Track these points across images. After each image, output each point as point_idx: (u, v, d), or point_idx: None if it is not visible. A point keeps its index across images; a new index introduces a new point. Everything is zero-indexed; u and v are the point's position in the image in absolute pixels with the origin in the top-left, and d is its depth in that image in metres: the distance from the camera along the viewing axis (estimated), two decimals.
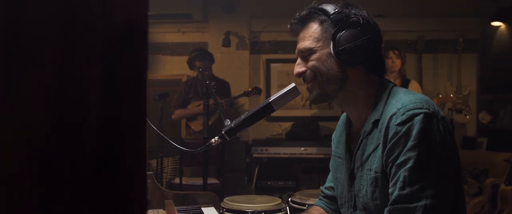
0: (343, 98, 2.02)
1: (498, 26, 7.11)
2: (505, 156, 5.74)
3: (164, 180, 6.26)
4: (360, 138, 2.00)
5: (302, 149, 6.59)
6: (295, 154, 6.57)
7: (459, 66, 7.27)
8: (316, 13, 2.00)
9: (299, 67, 2.02)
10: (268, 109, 2.03)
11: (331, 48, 1.93)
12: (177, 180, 5.80)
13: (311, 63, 1.98)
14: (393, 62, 6.13)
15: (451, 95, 6.56)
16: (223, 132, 2.09)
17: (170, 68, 7.68)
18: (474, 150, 6.81)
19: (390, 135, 1.81)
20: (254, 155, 6.54)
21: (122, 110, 0.75)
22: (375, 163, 1.90)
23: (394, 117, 1.81)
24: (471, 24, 7.51)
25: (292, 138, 6.89)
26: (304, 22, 2.03)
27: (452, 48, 7.47)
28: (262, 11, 7.53)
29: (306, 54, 2.00)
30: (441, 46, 7.65)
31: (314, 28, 1.99)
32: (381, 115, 1.90)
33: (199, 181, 5.23)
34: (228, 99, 6.26)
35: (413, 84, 6.31)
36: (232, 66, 7.48)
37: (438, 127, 1.78)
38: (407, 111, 1.79)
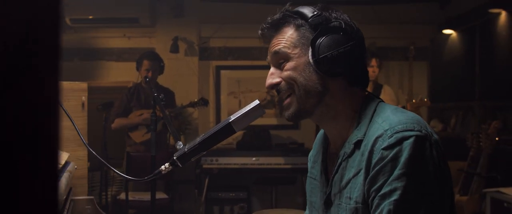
0: (321, 114, 1.79)
1: (449, 34, 7.21)
2: (458, 165, 5.68)
3: (109, 195, 5.96)
4: (339, 160, 1.76)
5: (254, 159, 6.44)
6: (247, 164, 6.44)
7: (410, 73, 7.18)
8: (292, 17, 1.77)
9: (272, 78, 1.79)
10: (227, 130, 1.78)
11: (310, 56, 1.71)
12: (123, 195, 5.49)
13: (286, 73, 1.75)
14: (374, 71, 6.06)
15: (425, 99, 6.46)
16: (174, 158, 1.83)
17: (116, 75, 7.50)
18: None
19: (374, 160, 1.58)
20: (204, 166, 6.39)
21: None
22: (355, 191, 1.67)
23: (380, 139, 1.59)
24: (421, 32, 7.59)
25: (243, 147, 6.75)
26: (277, 27, 1.79)
27: (403, 55, 7.52)
28: (212, 16, 7.36)
29: (281, 61, 1.77)
30: (392, 53, 7.71)
31: (289, 33, 1.76)
32: (365, 135, 1.68)
33: (146, 196, 5.06)
34: (173, 109, 6.11)
35: (386, 89, 6.31)
36: (181, 73, 7.33)
37: (431, 153, 1.56)
38: (396, 132, 1.56)
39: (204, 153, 1.80)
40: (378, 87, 6.15)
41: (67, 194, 2.54)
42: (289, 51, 1.75)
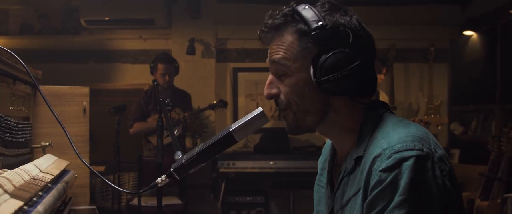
0: (324, 129, 1.67)
1: (470, 36, 7.05)
2: (479, 169, 5.57)
3: (122, 201, 5.71)
4: (341, 175, 1.63)
5: (271, 162, 6.26)
6: (264, 168, 6.26)
7: (430, 76, 7.07)
8: (294, 21, 1.58)
9: (270, 88, 1.64)
10: (228, 140, 1.62)
11: (311, 74, 1.54)
12: (136, 201, 5.23)
13: (285, 88, 1.60)
14: (382, 79, 5.91)
15: (438, 115, 6.22)
16: (171, 170, 1.66)
17: (131, 77, 7.31)
18: None
19: (372, 182, 1.45)
20: (220, 170, 6.21)
21: None
22: (355, 211, 1.54)
23: (379, 159, 1.45)
24: (441, 34, 7.38)
25: (260, 151, 6.56)
26: (277, 29, 1.60)
27: (423, 57, 7.34)
28: (229, 17, 7.15)
29: (280, 72, 1.61)
30: (412, 55, 7.51)
31: (290, 41, 1.58)
32: (365, 151, 1.55)
33: None
34: (191, 113, 5.94)
35: (383, 95, 6.17)
36: (197, 75, 7.13)
37: (433, 173, 1.42)
38: (394, 153, 1.43)
39: (203, 164, 1.66)
40: (376, 93, 5.86)
41: (63, 205, 2.29)
42: (289, 63, 1.58)
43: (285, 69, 1.58)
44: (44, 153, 2.47)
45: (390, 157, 1.42)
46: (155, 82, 3.89)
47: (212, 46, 7.21)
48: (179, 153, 1.73)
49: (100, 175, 1.86)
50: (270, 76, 1.64)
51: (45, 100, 1.99)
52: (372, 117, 1.61)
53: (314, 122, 1.61)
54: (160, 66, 5.76)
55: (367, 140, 1.56)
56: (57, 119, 1.92)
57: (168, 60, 5.87)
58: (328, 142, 1.85)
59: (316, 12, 1.55)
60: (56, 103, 2.63)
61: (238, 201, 6.23)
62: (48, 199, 1.73)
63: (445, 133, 7.28)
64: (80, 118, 2.67)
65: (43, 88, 2.61)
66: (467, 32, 7.00)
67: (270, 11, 1.63)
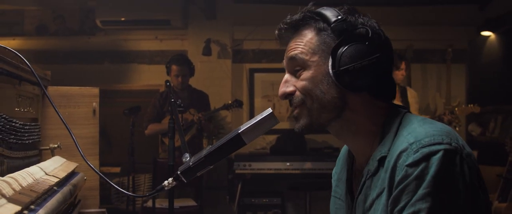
0: (339, 128, 1.59)
1: (488, 36, 6.97)
2: (497, 171, 5.46)
3: (138, 203, 5.64)
4: (363, 179, 1.56)
5: (288, 164, 6.19)
6: (280, 169, 6.20)
7: (448, 76, 6.99)
8: (313, 19, 1.57)
9: (285, 86, 1.59)
10: (237, 142, 1.55)
11: (330, 67, 1.51)
12: (150, 203, 5.17)
13: (302, 83, 1.55)
14: (403, 74, 5.77)
15: (470, 105, 6.08)
16: (179, 172, 1.60)
17: (147, 78, 7.29)
18: None
19: (398, 178, 1.39)
20: (236, 171, 6.16)
21: None
22: (379, 213, 1.47)
23: (404, 154, 1.39)
24: (459, 34, 7.30)
25: (277, 152, 6.51)
26: (296, 28, 1.60)
27: (440, 58, 7.26)
28: (245, 18, 7.11)
29: (297, 68, 1.57)
30: (430, 56, 7.44)
31: (309, 37, 1.56)
32: (389, 150, 1.48)
33: (174, 204, 4.69)
34: (207, 113, 5.82)
35: (411, 92, 6.01)
36: (213, 76, 7.07)
37: (461, 169, 1.35)
38: (422, 147, 1.37)
39: (211, 167, 1.60)
40: (404, 91, 5.91)
41: (72, 208, 2.23)
42: (307, 58, 1.55)
43: (302, 64, 1.54)
44: (53, 155, 2.39)
45: (417, 151, 1.36)
46: (168, 83, 3.80)
47: (228, 47, 7.16)
48: (187, 155, 1.67)
49: (104, 177, 1.78)
50: (286, 75, 1.60)
51: (50, 101, 1.90)
52: (394, 117, 1.55)
53: (329, 119, 1.54)
54: (173, 67, 5.71)
55: (391, 139, 1.49)
56: (62, 119, 1.83)
57: (182, 62, 5.80)
58: (342, 151, 1.80)
59: (335, 10, 1.54)
60: (65, 104, 2.55)
61: (254, 203, 6.16)
62: (52, 202, 1.66)
63: (463, 134, 7.17)
64: (90, 119, 2.59)
65: (52, 89, 2.55)
66: (485, 33, 6.94)
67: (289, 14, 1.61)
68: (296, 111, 1.58)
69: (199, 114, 5.66)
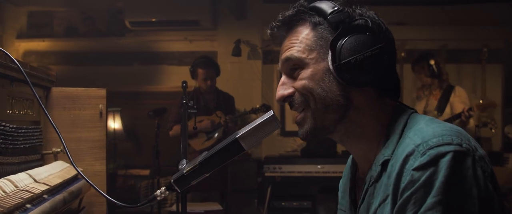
0: (344, 132, 1.45)
1: None
2: None
3: (166, 206, 5.54)
4: (365, 186, 1.43)
5: (319, 166, 6.04)
6: (311, 172, 6.05)
7: (483, 77, 6.76)
8: (307, 13, 1.45)
9: (283, 89, 1.47)
10: (234, 148, 1.41)
11: (330, 62, 1.39)
12: (174, 207, 5.05)
13: (300, 82, 1.43)
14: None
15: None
16: (172, 181, 1.46)
17: (176, 79, 7.06)
18: (501, 166, 6.33)
19: (403, 184, 1.25)
20: (266, 174, 6.03)
21: None
22: None
23: (411, 157, 1.26)
24: (495, 33, 7.07)
25: (307, 154, 6.32)
26: (290, 25, 1.47)
27: (475, 58, 6.98)
28: (276, 18, 6.82)
29: (294, 68, 1.45)
30: (464, 56, 7.25)
31: (304, 33, 1.44)
32: (393, 153, 1.35)
33: (199, 208, 4.83)
34: (233, 116, 5.74)
35: (458, 92, 5.74)
36: (243, 77, 7.01)
37: (474, 172, 1.22)
38: (430, 148, 1.23)
39: (207, 175, 1.45)
40: (449, 89, 5.63)
41: None
42: (304, 56, 1.42)
43: (300, 63, 1.42)
44: (56, 160, 2.23)
45: (425, 154, 1.23)
46: (184, 84, 3.66)
47: (258, 47, 7.07)
48: (184, 161, 1.53)
49: (93, 185, 1.62)
50: (283, 77, 1.48)
51: (39, 101, 1.73)
52: (400, 116, 1.42)
53: (334, 120, 1.41)
54: (200, 71, 5.63)
55: (396, 140, 1.36)
56: (52, 123, 1.65)
57: (208, 64, 5.72)
58: (348, 160, 1.65)
59: (330, 2, 1.43)
60: (70, 106, 2.40)
61: (284, 206, 6.01)
62: (34, 213, 1.49)
63: (499, 136, 6.98)
64: (96, 122, 2.42)
65: (57, 90, 2.40)
66: None
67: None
68: (299, 116, 1.45)
69: (226, 117, 5.56)
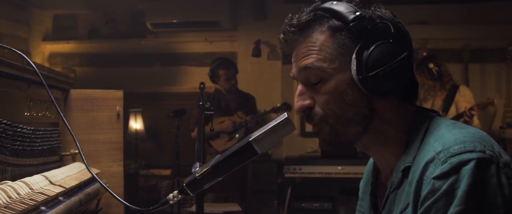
0: (368, 141, 1.39)
1: None
2: None
3: (186, 206, 5.57)
4: (386, 193, 1.38)
5: (339, 168, 5.96)
6: (331, 173, 5.96)
7: (508, 76, 6.80)
8: (324, 17, 1.35)
9: (302, 99, 1.38)
10: (247, 151, 1.36)
11: (353, 72, 1.30)
12: (194, 208, 5.08)
13: (323, 98, 1.35)
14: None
15: (495, 100, 5.78)
16: (184, 185, 1.41)
17: (197, 80, 7.01)
18: None
19: (424, 192, 1.19)
20: (286, 175, 5.96)
21: None
22: None
23: (431, 165, 1.20)
24: None
25: (328, 155, 6.23)
26: (305, 30, 1.37)
27: (500, 57, 6.94)
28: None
29: (314, 78, 1.36)
30: (489, 55, 7.10)
31: (322, 39, 1.34)
32: (414, 159, 1.29)
33: (219, 209, 4.84)
34: (254, 116, 5.71)
35: (462, 91, 5.76)
36: (263, 78, 7.01)
37: (499, 181, 1.15)
38: (451, 156, 1.17)
39: (220, 178, 1.41)
40: (454, 89, 5.67)
41: None
42: (325, 65, 1.33)
43: (320, 73, 1.34)
44: (74, 161, 2.25)
45: (446, 162, 1.17)
46: (202, 85, 3.66)
47: (278, 47, 6.99)
48: (198, 164, 1.50)
49: (106, 187, 1.61)
50: (299, 87, 1.39)
51: (54, 103, 1.75)
52: (422, 121, 1.35)
53: (358, 133, 1.35)
54: (222, 72, 5.67)
55: (417, 146, 1.30)
56: (66, 125, 1.67)
57: (228, 65, 5.77)
58: (369, 161, 1.59)
59: (349, 5, 1.33)
60: (88, 108, 2.41)
61: (304, 207, 5.94)
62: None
63: None
64: (114, 124, 2.44)
65: (75, 92, 2.42)
66: None
67: (290, 14, 1.42)
68: (316, 128, 1.39)
69: (247, 117, 5.56)
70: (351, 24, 1.30)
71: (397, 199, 1.32)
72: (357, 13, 1.30)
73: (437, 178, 1.17)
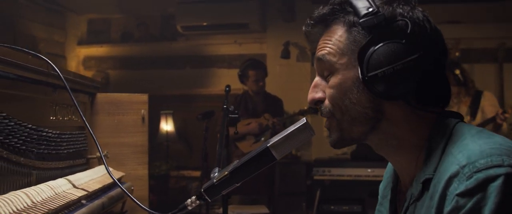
0: (378, 142, 1.34)
1: None
2: None
3: (215, 208, 5.59)
4: (406, 204, 1.30)
5: (369, 170, 5.91)
6: (361, 176, 5.93)
7: None
8: (343, 11, 1.32)
9: (315, 92, 1.38)
10: (266, 157, 1.35)
11: (359, 70, 1.26)
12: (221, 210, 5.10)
13: (329, 91, 1.33)
14: None
15: None
16: (202, 190, 1.41)
17: (226, 82, 7.05)
18: None
19: (447, 209, 1.11)
20: (315, 177, 5.95)
21: None
22: None
23: (455, 179, 1.10)
24: None
25: (358, 158, 6.19)
26: (325, 23, 1.35)
27: None
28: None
29: (325, 71, 1.35)
30: None
31: (338, 34, 1.32)
32: (435, 171, 1.20)
33: (247, 211, 4.79)
34: (281, 119, 5.69)
35: (487, 96, 5.60)
36: (292, 80, 6.97)
37: None
38: (477, 171, 1.08)
39: (238, 185, 1.39)
40: (478, 95, 5.52)
41: None
42: (334, 59, 1.31)
43: (330, 66, 1.32)
44: (100, 164, 2.29)
45: (471, 177, 1.08)
46: (227, 88, 3.67)
47: (307, 49, 6.97)
48: (216, 170, 1.49)
49: (125, 190, 1.64)
50: (316, 78, 1.38)
51: (77, 107, 1.79)
52: (443, 128, 1.26)
53: (362, 133, 1.31)
54: (251, 73, 5.63)
55: (438, 156, 1.22)
56: (88, 128, 1.71)
57: (258, 66, 5.74)
58: (389, 165, 1.54)
59: (370, 0, 1.27)
60: (114, 111, 2.45)
61: (333, 210, 5.88)
62: None
63: None
64: (139, 127, 2.47)
65: (101, 96, 2.47)
66: None
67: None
68: (326, 124, 1.36)
69: (274, 119, 5.53)
70: (361, 20, 1.26)
71: (417, 211, 1.25)
72: (371, 9, 1.25)
73: (462, 195, 1.08)
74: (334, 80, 1.31)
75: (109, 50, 7.59)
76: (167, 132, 6.68)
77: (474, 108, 5.42)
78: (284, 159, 6.28)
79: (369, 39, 1.24)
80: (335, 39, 1.31)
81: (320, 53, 1.34)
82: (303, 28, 1.41)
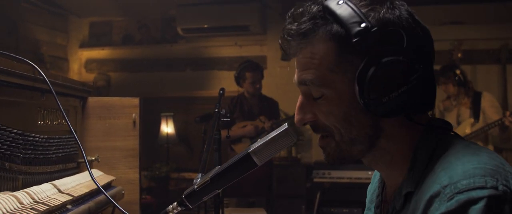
0: (373, 159, 1.28)
1: None
2: None
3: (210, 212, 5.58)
4: None
5: (370, 173, 5.74)
6: (361, 178, 5.87)
7: None
8: (326, 23, 1.18)
9: (303, 113, 1.27)
10: (247, 163, 1.31)
11: (357, 93, 1.15)
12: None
13: (323, 115, 1.23)
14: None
15: None
16: (183, 196, 1.36)
17: (227, 84, 7.09)
18: None
19: None
20: (315, 179, 5.94)
21: None
22: None
23: (437, 200, 1.05)
24: None
25: (358, 160, 5.96)
26: (305, 37, 1.21)
27: None
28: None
29: (315, 95, 1.24)
30: None
31: (323, 51, 1.19)
32: (417, 185, 1.16)
33: None
34: (277, 121, 5.66)
35: (486, 97, 5.60)
36: (292, 82, 6.66)
37: None
38: (458, 193, 1.03)
39: (219, 191, 1.37)
40: (476, 97, 5.52)
41: None
42: (324, 80, 1.20)
43: (320, 88, 1.21)
44: (91, 168, 2.29)
45: (452, 198, 1.03)
46: (221, 91, 3.65)
47: None
48: (200, 176, 1.52)
49: (103, 191, 1.62)
50: (300, 98, 1.29)
51: (62, 112, 1.79)
52: (429, 141, 1.21)
53: (362, 151, 1.24)
54: (248, 75, 5.59)
55: (421, 170, 1.17)
56: (73, 132, 1.70)
57: (255, 68, 5.69)
58: (376, 172, 1.49)
59: (355, 8, 1.15)
60: (105, 115, 2.45)
61: (333, 213, 5.87)
62: None
63: None
64: (130, 131, 2.46)
65: (92, 100, 2.46)
66: None
67: (293, 9, 1.25)
68: (322, 142, 1.28)
69: (270, 121, 5.51)
70: (354, 40, 1.13)
71: None
72: (363, 25, 1.13)
73: None
74: (328, 105, 1.22)
75: (111, 53, 7.61)
76: (167, 134, 6.69)
77: (475, 110, 5.40)
78: (283, 161, 6.27)
79: (366, 59, 1.14)
80: (320, 58, 1.20)
81: (306, 76, 1.23)
82: (279, 40, 1.29)
